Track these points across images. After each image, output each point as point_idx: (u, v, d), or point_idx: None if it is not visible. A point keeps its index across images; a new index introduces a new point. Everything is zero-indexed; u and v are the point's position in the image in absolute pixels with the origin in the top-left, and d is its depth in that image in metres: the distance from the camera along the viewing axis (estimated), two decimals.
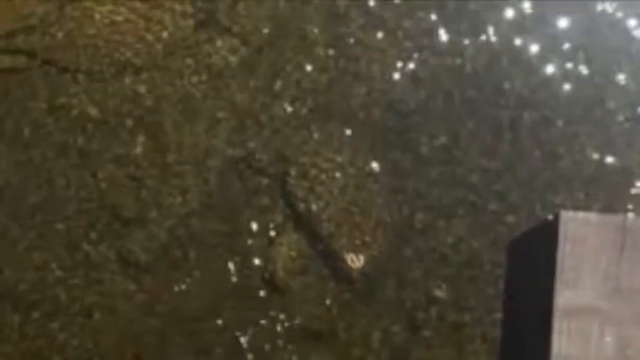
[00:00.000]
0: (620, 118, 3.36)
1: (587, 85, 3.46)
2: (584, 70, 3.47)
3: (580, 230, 1.84)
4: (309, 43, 3.48)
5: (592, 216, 1.87)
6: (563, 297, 1.79)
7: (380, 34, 3.49)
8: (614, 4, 3.42)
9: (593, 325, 1.79)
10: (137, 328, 3.43)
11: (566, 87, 3.47)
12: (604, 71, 3.44)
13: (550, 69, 3.47)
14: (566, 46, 3.50)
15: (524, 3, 3.48)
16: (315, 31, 3.49)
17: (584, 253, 1.83)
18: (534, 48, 3.49)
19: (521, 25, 3.51)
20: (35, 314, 3.42)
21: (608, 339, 1.77)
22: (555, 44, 3.49)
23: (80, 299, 3.45)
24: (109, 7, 3.51)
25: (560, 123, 3.43)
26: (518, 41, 3.50)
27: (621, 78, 3.42)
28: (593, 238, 1.84)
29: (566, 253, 1.82)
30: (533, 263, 1.93)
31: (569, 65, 3.48)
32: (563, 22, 3.49)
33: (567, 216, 1.84)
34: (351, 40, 3.49)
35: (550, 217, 1.84)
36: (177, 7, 3.52)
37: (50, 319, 3.42)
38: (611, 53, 3.46)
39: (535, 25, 3.50)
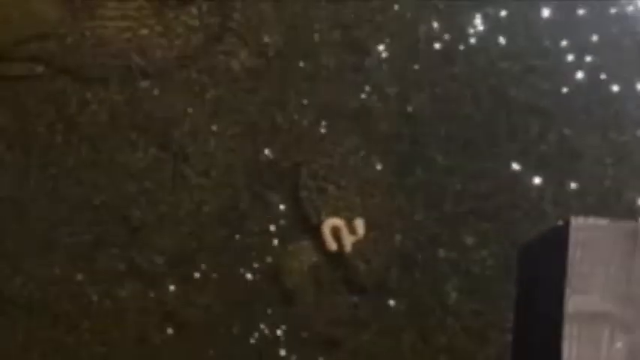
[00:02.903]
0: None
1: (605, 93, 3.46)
2: (602, 76, 3.46)
3: (590, 236, 1.83)
4: (320, 50, 3.49)
5: (603, 222, 1.86)
6: (574, 303, 1.78)
7: (391, 40, 3.49)
8: None
9: (603, 331, 1.78)
10: (149, 338, 3.43)
11: (583, 94, 3.47)
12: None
13: (569, 75, 3.46)
14: (585, 52, 3.49)
15: (545, 7, 3.47)
16: (327, 38, 3.49)
17: (595, 259, 1.82)
18: (551, 54, 3.49)
19: (539, 30, 3.50)
20: (47, 323, 3.42)
21: (619, 345, 1.76)
22: (576, 50, 3.48)
23: (91, 309, 3.45)
24: (122, 16, 3.53)
25: (575, 129, 3.42)
26: (535, 47, 3.49)
27: None
28: (604, 243, 1.83)
29: (576, 259, 1.81)
30: (543, 269, 1.92)
31: (585, 72, 3.47)
32: (584, 29, 3.48)
33: (578, 222, 1.83)
34: (363, 47, 3.50)
35: (560, 222, 1.83)
36: (190, 16, 3.54)
37: (62, 328, 3.43)
38: (629, 60, 3.46)
39: (553, 29, 3.49)
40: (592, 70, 3.49)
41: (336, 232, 3.40)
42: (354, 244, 3.40)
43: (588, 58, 3.47)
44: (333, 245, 3.41)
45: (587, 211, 3.35)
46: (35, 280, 3.48)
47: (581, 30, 3.51)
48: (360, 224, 3.39)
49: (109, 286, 3.47)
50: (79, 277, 3.49)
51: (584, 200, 3.40)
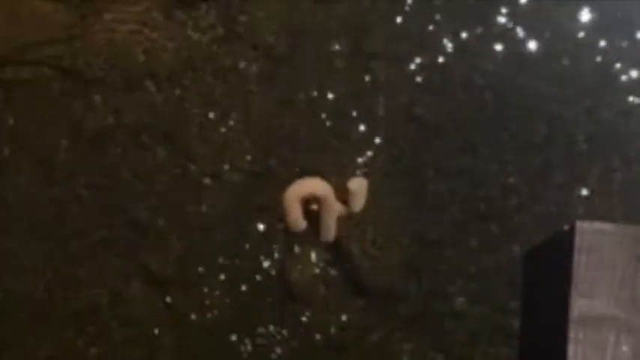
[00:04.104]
0: None
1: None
2: (611, 78, 3.47)
3: (596, 240, 1.84)
4: (329, 55, 3.50)
5: (608, 226, 1.86)
6: (579, 306, 1.79)
7: (402, 46, 3.50)
8: None
9: (609, 335, 1.79)
10: (154, 339, 3.44)
11: (590, 96, 3.47)
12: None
13: (577, 80, 3.46)
14: (596, 59, 3.49)
15: (556, 13, 3.47)
16: (336, 42, 3.50)
17: (600, 263, 1.83)
18: (562, 59, 3.49)
19: (552, 36, 3.50)
20: (54, 327, 3.44)
21: (625, 348, 1.77)
22: (581, 56, 3.48)
23: (98, 311, 3.46)
24: (130, 20, 3.54)
25: (582, 134, 3.42)
26: (545, 53, 3.49)
27: None
28: (609, 247, 1.83)
29: (581, 263, 1.82)
30: (549, 273, 1.93)
31: (596, 74, 3.48)
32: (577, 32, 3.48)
33: (583, 226, 1.84)
34: (373, 52, 3.50)
35: (566, 227, 1.84)
36: (198, 20, 3.55)
37: (69, 330, 3.44)
38: None
39: (564, 35, 3.49)
40: (600, 72, 3.48)
41: (306, 204, 2.51)
42: (346, 225, 3.11)
43: (599, 59, 3.47)
44: (300, 223, 2.44)
45: (592, 216, 3.35)
46: (42, 282, 3.48)
47: (590, 29, 3.50)
48: (359, 187, 2.36)
49: (116, 287, 3.48)
50: (86, 278, 3.50)
51: (590, 204, 3.40)
